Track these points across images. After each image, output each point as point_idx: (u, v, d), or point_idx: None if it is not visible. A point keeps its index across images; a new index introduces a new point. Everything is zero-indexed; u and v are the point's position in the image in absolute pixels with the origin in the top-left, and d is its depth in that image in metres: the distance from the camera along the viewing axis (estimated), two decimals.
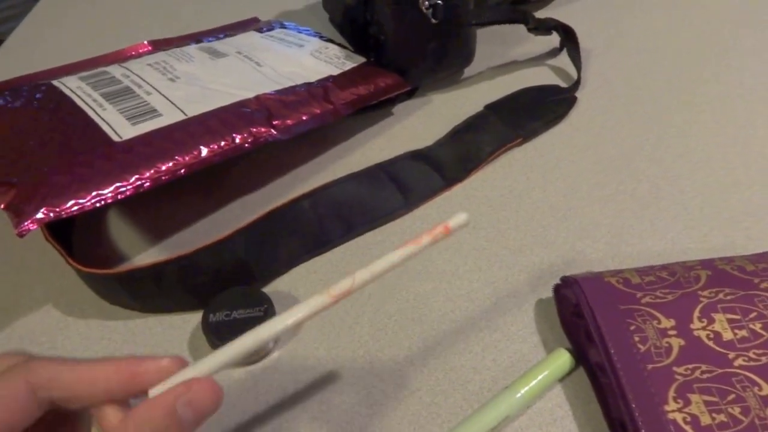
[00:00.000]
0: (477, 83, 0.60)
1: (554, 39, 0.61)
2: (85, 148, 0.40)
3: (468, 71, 0.61)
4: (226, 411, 0.36)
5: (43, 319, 0.41)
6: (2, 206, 0.37)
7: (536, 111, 0.55)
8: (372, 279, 0.28)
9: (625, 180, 0.49)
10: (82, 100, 0.45)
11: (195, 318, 0.41)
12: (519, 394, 0.35)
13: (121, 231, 0.47)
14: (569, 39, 0.60)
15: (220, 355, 0.24)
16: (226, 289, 0.40)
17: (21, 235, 0.35)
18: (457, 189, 0.49)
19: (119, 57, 0.56)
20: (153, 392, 0.23)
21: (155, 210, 0.48)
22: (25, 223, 0.36)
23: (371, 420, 0.36)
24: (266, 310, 0.38)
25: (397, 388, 0.37)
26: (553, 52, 0.62)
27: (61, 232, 0.44)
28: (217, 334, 0.37)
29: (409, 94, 0.58)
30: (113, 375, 0.23)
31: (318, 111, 0.49)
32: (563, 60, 0.62)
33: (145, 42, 0.59)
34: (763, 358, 0.34)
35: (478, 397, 0.36)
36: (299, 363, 0.38)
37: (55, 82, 0.47)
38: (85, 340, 0.40)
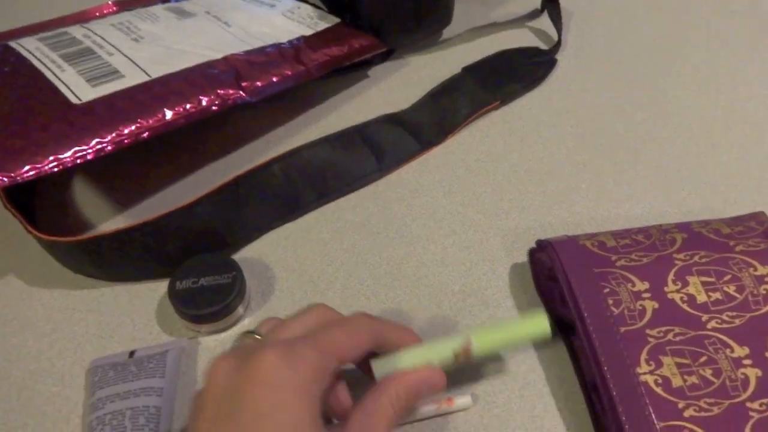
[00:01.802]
0: (455, 45, 0.58)
1: (535, 0, 0.60)
2: (42, 111, 0.38)
3: (446, 33, 0.59)
4: (195, 379, 0.36)
5: (4, 290, 0.40)
6: None
7: (515, 74, 0.54)
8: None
9: (603, 143, 0.49)
10: (40, 61, 0.43)
11: (162, 286, 0.40)
12: (474, 336, 0.32)
13: (86, 199, 0.45)
14: (550, 0, 0.58)
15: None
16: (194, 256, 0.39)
17: None
18: (434, 152, 0.48)
19: (82, 17, 0.54)
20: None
21: (122, 177, 0.47)
22: None
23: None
24: (234, 277, 0.37)
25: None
26: (534, 14, 0.61)
27: (22, 200, 0.43)
28: (184, 302, 0.36)
29: (386, 56, 0.57)
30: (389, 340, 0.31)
31: (289, 72, 0.47)
32: (544, 22, 0.60)
33: (110, 2, 0.56)
34: (736, 321, 0.33)
35: None
36: None
37: (12, 43, 0.45)
38: (49, 310, 0.39)
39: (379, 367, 0.31)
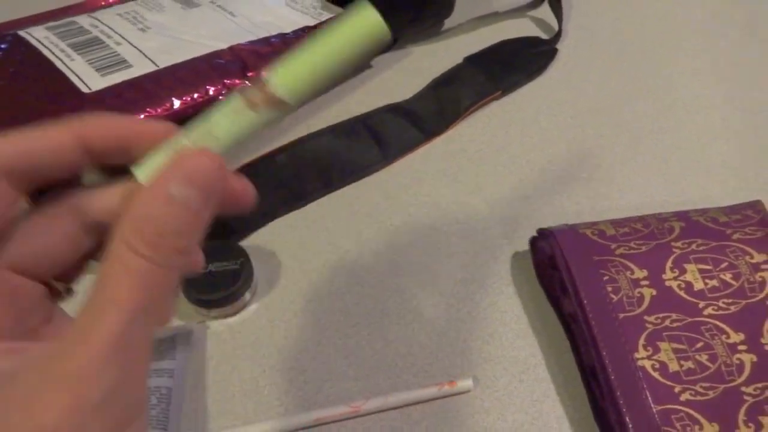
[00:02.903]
0: (457, 35, 0.58)
1: None
2: (53, 99, 0.39)
3: (448, 23, 0.59)
4: (204, 363, 0.37)
5: None
6: None
7: (516, 63, 0.54)
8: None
9: (604, 134, 0.49)
10: (50, 50, 0.43)
11: None
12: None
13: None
14: None
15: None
16: (203, 243, 0.39)
17: None
18: (437, 142, 0.49)
19: (89, 7, 0.54)
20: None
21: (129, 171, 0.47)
22: None
23: (348, 370, 0.36)
24: (242, 264, 0.38)
25: (373, 339, 0.37)
26: (536, 3, 0.61)
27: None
28: (195, 287, 0.37)
29: (388, 47, 0.57)
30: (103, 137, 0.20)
31: None
32: (545, 11, 0.60)
33: None
34: (732, 307, 0.34)
35: (453, 347, 0.37)
36: (276, 315, 0.39)
37: (21, 33, 0.46)
38: None
39: (140, 173, 0.20)
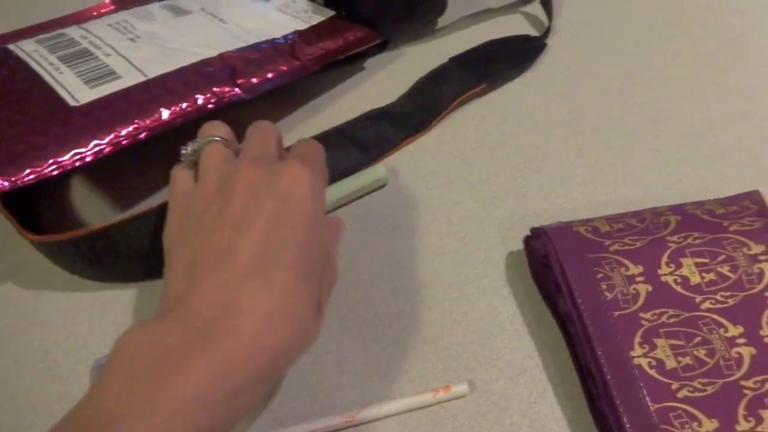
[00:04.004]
0: (450, 34, 0.58)
1: None
2: (40, 114, 0.39)
3: (441, 21, 0.59)
4: None
5: (11, 291, 0.41)
6: None
7: (500, 57, 0.54)
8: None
9: (598, 128, 0.49)
10: (39, 63, 0.44)
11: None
12: None
13: (85, 200, 0.46)
14: None
15: None
16: None
17: None
18: (428, 142, 0.48)
19: (80, 18, 0.54)
20: None
21: (120, 178, 0.47)
22: None
23: (340, 377, 0.36)
24: None
25: (366, 344, 0.37)
26: None
27: (22, 204, 0.43)
28: None
29: (381, 48, 0.57)
30: None
31: (285, 68, 0.47)
32: (538, 7, 0.60)
33: (107, 1, 0.57)
34: (730, 301, 0.34)
35: (449, 351, 0.37)
36: None
37: (10, 46, 0.46)
38: (54, 310, 0.40)
39: None
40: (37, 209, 0.46)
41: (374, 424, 0.34)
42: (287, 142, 0.47)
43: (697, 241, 0.36)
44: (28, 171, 0.36)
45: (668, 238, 0.36)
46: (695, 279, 0.34)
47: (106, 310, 0.40)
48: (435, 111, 0.50)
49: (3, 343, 0.38)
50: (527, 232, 0.40)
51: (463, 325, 0.37)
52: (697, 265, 0.35)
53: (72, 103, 0.40)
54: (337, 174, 0.46)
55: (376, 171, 0.44)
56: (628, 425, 0.30)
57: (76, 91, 0.41)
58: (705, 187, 0.44)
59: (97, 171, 0.48)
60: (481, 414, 0.34)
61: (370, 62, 0.56)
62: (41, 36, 0.48)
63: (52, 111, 0.39)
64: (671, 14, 0.59)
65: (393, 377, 0.35)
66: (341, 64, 0.54)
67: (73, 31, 0.48)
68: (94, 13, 0.56)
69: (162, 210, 0.38)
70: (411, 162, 0.47)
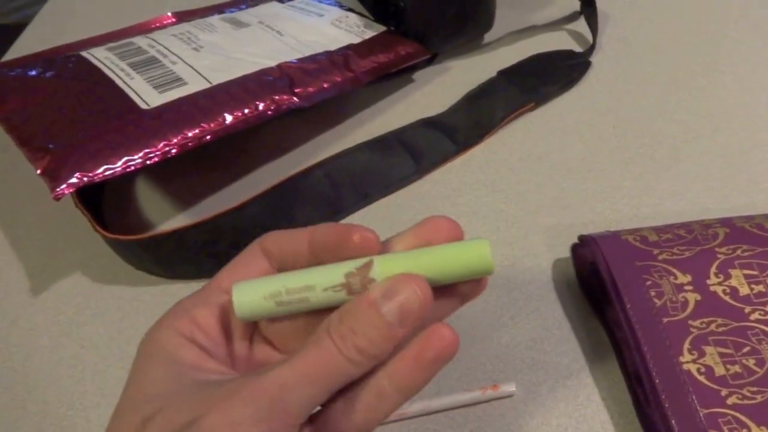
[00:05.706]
0: (496, 49, 0.60)
1: (574, 2, 0.61)
2: (115, 116, 0.42)
3: (487, 37, 0.61)
4: None
5: (79, 281, 0.43)
6: (39, 171, 0.38)
7: (549, 76, 0.55)
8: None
9: (644, 143, 0.49)
10: (111, 69, 0.46)
11: None
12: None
13: (148, 201, 0.48)
14: (587, 2, 0.60)
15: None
16: None
17: (57, 198, 0.37)
18: (477, 153, 0.50)
19: (144, 28, 0.57)
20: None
21: (180, 181, 0.50)
22: (60, 187, 0.37)
23: None
24: None
25: None
26: (573, 16, 0.62)
27: (91, 200, 0.46)
28: None
29: (429, 61, 0.58)
30: (323, 235, 0.24)
31: (339, 79, 0.49)
32: (583, 24, 0.61)
33: (169, 14, 0.60)
34: None
35: (496, 352, 0.37)
36: None
37: (84, 53, 0.49)
38: (118, 301, 0.42)
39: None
40: (101, 206, 0.48)
41: (424, 419, 0.35)
42: (341, 149, 0.49)
43: (746, 254, 0.36)
44: (104, 168, 0.38)
45: (717, 249, 0.37)
46: (744, 290, 0.35)
47: (166, 302, 0.41)
48: (486, 126, 0.51)
49: (70, 330, 0.41)
50: (573, 241, 0.41)
51: (511, 328, 0.38)
52: (746, 276, 0.35)
53: (143, 106, 0.43)
54: (391, 183, 0.47)
55: (479, 248, 0.23)
56: (676, 429, 0.31)
57: (146, 95, 0.44)
58: (751, 202, 0.45)
59: (160, 172, 0.50)
60: (529, 413, 0.35)
61: (418, 75, 0.58)
62: (111, 44, 0.51)
63: (125, 113, 0.42)
64: (715, 30, 0.59)
65: (443, 374, 0.36)
66: (391, 77, 0.56)
67: (140, 41, 0.51)
68: (157, 25, 0.59)
69: (223, 216, 0.41)
70: (459, 170, 0.48)
